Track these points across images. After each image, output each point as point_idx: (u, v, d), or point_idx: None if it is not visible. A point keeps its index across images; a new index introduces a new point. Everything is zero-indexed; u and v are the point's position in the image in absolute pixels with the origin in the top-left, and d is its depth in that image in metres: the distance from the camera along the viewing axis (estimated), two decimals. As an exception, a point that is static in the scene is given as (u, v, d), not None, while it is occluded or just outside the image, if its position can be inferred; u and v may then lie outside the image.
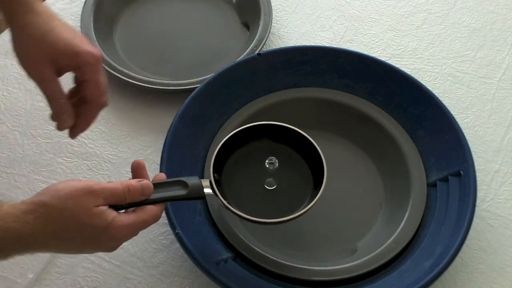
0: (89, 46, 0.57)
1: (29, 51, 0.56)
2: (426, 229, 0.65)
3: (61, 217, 0.48)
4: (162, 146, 0.67)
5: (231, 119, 0.73)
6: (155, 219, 0.53)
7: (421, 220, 0.66)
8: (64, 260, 0.66)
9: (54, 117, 0.59)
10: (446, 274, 0.60)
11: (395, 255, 0.64)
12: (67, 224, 0.48)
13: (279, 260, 0.62)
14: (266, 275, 0.62)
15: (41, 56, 0.56)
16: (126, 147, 0.76)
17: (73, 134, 0.60)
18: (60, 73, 0.58)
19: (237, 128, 0.63)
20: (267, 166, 0.63)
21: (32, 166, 0.74)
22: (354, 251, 0.66)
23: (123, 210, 0.52)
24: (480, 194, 0.70)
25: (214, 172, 0.58)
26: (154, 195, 0.53)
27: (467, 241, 0.61)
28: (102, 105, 0.59)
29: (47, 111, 0.78)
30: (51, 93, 0.57)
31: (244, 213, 0.57)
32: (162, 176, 0.57)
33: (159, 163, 0.65)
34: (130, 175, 0.56)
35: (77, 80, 0.59)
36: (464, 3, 0.94)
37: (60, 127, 0.59)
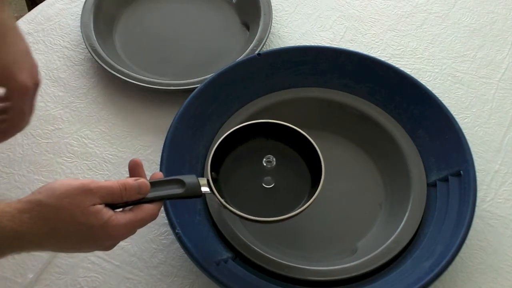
0: (26, 74, 0.56)
1: None
2: (426, 229, 0.65)
3: (56, 216, 0.48)
4: (162, 146, 0.67)
5: (231, 119, 0.73)
6: (152, 217, 0.53)
7: (421, 220, 0.66)
8: (64, 260, 0.66)
9: None
10: (446, 274, 0.60)
11: (395, 255, 0.64)
12: (63, 223, 0.48)
13: (279, 260, 0.62)
14: (266, 275, 0.62)
15: None
16: (126, 147, 0.76)
17: None
18: None
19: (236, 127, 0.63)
20: (265, 164, 0.63)
21: (32, 166, 0.74)
22: (354, 251, 0.66)
23: (120, 209, 0.52)
24: (480, 194, 0.70)
25: (211, 170, 0.58)
26: (151, 193, 0.53)
27: (467, 241, 0.61)
28: (19, 130, 0.60)
29: (47, 111, 0.78)
30: None
31: (242, 212, 0.57)
32: (160, 175, 0.56)
33: (159, 163, 0.65)
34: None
35: (4, 97, 0.59)
36: (464, 3, 0.94)
37: None
